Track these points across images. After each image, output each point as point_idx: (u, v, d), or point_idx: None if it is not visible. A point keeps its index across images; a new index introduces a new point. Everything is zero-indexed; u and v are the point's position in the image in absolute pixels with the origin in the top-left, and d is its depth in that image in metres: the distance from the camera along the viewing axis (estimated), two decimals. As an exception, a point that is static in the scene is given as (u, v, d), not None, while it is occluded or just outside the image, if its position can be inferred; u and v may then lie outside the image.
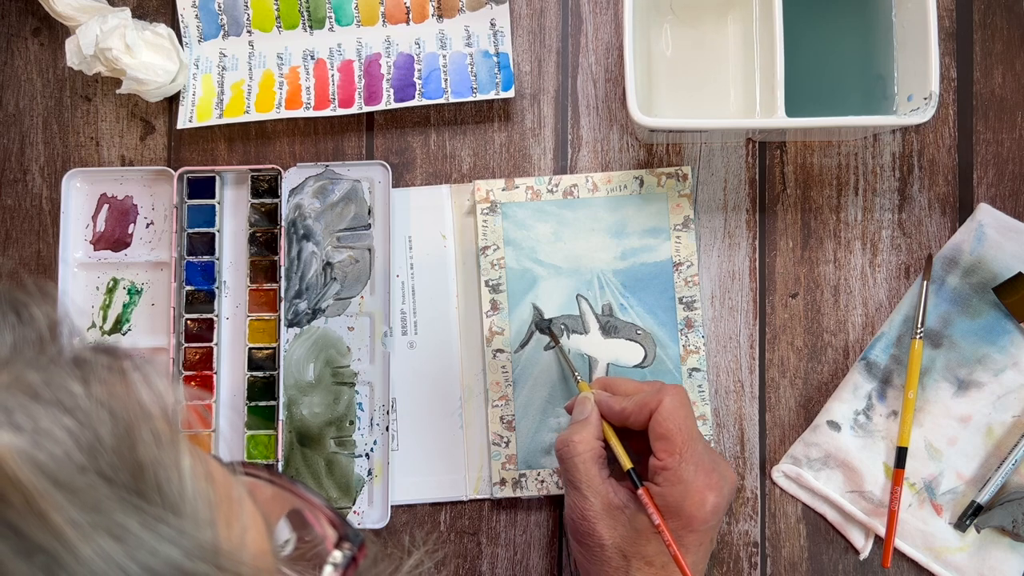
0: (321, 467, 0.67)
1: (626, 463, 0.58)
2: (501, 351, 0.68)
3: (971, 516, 0.64)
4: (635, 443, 0.59)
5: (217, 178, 0.69)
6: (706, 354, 0.68)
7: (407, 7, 0.70)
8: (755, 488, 0.68)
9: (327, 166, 0.69)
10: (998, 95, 0.69)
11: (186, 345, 0.68)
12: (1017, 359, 0.65)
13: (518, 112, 0.70)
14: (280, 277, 0.68)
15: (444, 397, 0.68)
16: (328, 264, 0.69)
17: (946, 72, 0.69)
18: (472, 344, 0.69)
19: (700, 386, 0.67)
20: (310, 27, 0.71)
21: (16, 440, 0.25)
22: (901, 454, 0.65)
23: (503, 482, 0.67)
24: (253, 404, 0.68)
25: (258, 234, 0.69)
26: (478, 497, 0.68)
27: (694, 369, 0.67)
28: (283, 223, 0.68)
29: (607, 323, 0.68)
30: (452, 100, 0.68)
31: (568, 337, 0.68)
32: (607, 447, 0.59)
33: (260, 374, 0.68)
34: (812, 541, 0.67)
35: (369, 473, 0.67)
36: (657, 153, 0.69)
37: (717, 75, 0.68)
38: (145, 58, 0.66)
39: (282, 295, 0.68)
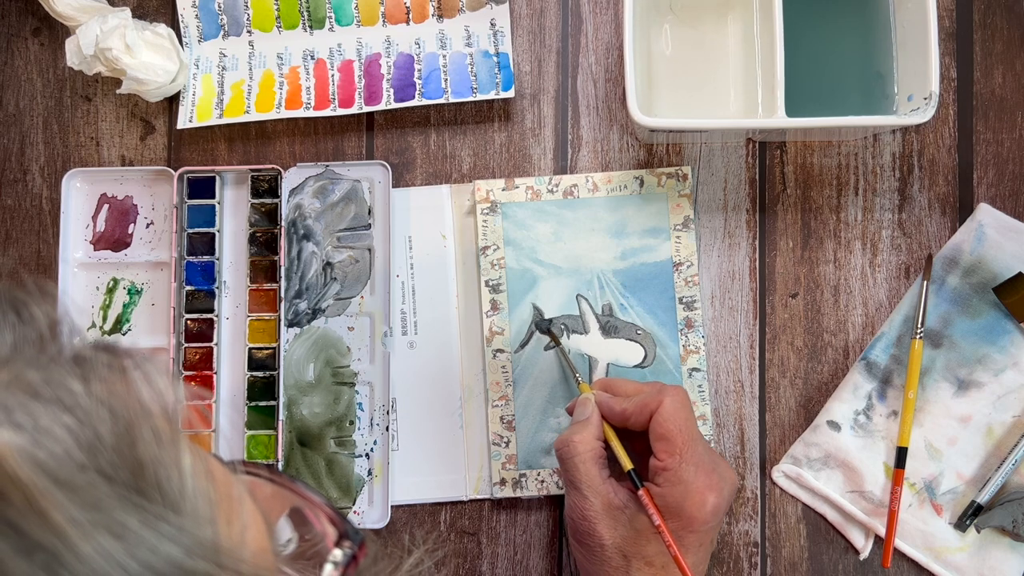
0: (321, 467, 0.67)
1: (627, 464, 0.58)
2: (501, 351, 0.68)
3: (971, 516, 0.64)
4: (635, 444, 0.59)
5: (217, 178, 0.69)
6: (706, 354, 0.68)
7: (407, 7, 0.70)
8: (755, 488, 0.68)
9: (327, 166, 0.69)
10: (998, 95, 0.69)
11: (186, 345, 0.68)
12: (1017, 359, 0.65)
13: (518, 112, 0.70)
14: (280, 277, 0.68)
15: (444, 397, 0.68)
16: (328, 264, 0.69)
17: (946, 72, 0.69)
18: (472, 344, 0.69)
19: (700, 386, 0.67)
20: (310, 27, 0.71)
21: (16, 438, 0.25)
22: (901, 454, 0.65)
23: (503, 482, 0.67)
24: (253, 404, 0.68)
25: (258, 234, 0.69)
26: (478, 497, 0.68)
27: (694, 369, 0.67)
28: (283, 223, 0.68)
29: (607, 323, 0.68)
30: (452, 100, 0.68)
31: (568, 337, 0.68)
32: (607, 448, 0.59)
33: (260, 374, 0.68)
34: (812, 541, 0.67)
35: (369, 473, 0.67)
36: (657, 153, 0.69)
37: (717, 75, 0.68)
38: (145, 58, 0.66)
39: (282, 295, 0.68)
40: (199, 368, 0.68)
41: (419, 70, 0.69)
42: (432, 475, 0.68)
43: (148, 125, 0.71)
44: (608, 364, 0.68)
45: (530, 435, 0.67)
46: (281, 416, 0.67)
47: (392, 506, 0.67)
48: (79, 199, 0.70)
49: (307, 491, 0.36)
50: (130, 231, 0.70)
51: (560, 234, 0.68)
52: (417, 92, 0.69)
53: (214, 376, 0.68)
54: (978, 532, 0.64)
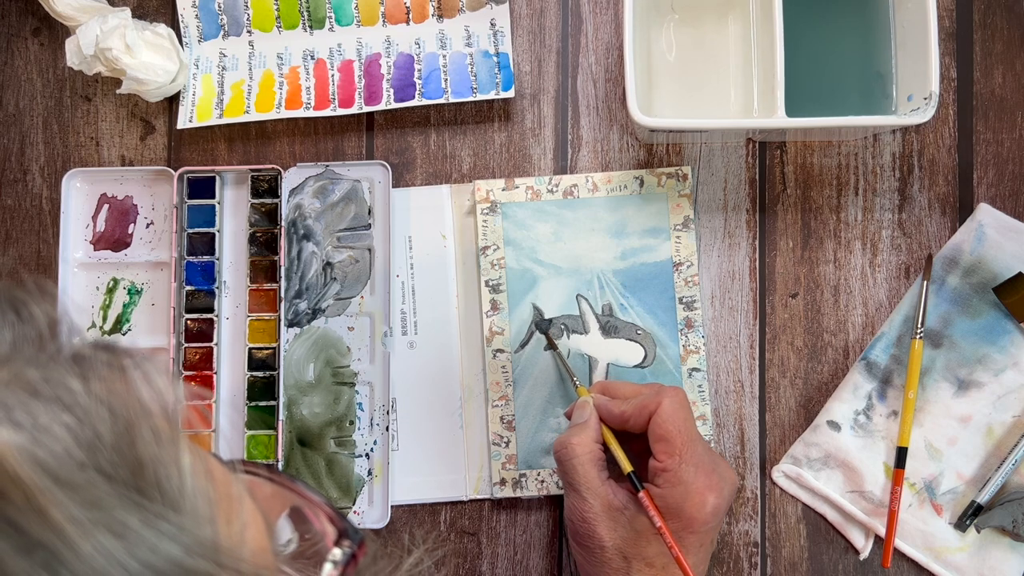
0: (321, 467, 0.67)
1: (626, 466, 0.58)
2: (501, 351, 0.68)
3: (971, 516, 0.64)
4: (633, 445, 0.59)
5: (217, 178, 0.69)
6: (706, 354, 0.68)
7: (407, 7, 0.70)
8: (755, 488, 0.67)
9: (327, 166, 0.69)
10: (998, 95, 0.69)
11: (186, 345, 0.68)
12: (1017, 359, 0.65)
13: (518, 112, 0.70)
14: (280, 277, 0.68)
15: (444, 397, 0.68)
16: (328, 264, 0.69)
17: (946, 72, 0.69)
18: (472, 344, 0.69)
19: (700, 386, 0.67)
20: (310, 27, 0.71)
21: (16, 437, 0.25)
22: (901, 454, 0.65)
23: (503, 482, 0.67)
24: (253, 404, 0.68)
25: (258, 234, 0.69)
26: (478, 497, 0.68)
27: (694, 369, 0.67)
28: (283, 223, 0.68)
29: (607, 323, 0.68)
30: (452, 100, 0.68)
31: (568, 337, 0.68)
32: (606, 450, 0.59)
33: (260, 374, 0.68)
34: (812, 541, 0.67)
35: (369, 473, 0.67)
36: (657, 153, 0.69)
37: (717, 75, 0.68)
38: (145, 58, 0.66)
39: (282, 295, 0.68)
40: (199, 368, 0.68)
41: (419, 70, 0.69)
42: (432, 475, 0.68)
43: (148, 125, 0.71)
44: (608, 364, 0.68)
45: (530, 435, 0.67)
46: (281, 416, 0.67)
47: (392, 506, 0.67)
48: (79, 199, 0.70)
49: (306, 490, 0.36)
50: (130, 231, 0.70)
51: (560, 234, 0.68)
52: (417, 92, 0.69)
53: (214, 376, 0.68)
54: (978, 532, 0.64)
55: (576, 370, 0.67)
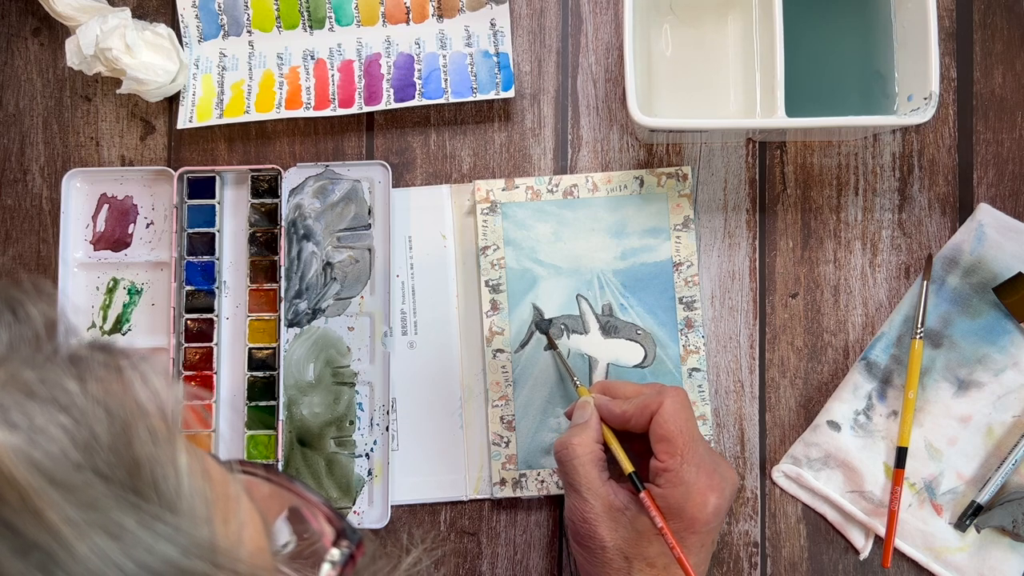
0: (321, 467, 0.67)
1: (627, 467, 0.57)
2: (501, 351, 0.68)
3: (971, 516, 0.64)
4: (634, 445, 0.59)
5: (217, 178, 0.69)
6: (706, 354, 0.68)
7: (407, 7, 0.70)
8: (755, 488, 0.67)
9: (327, 166, 0.69)
10: (998, 95, 0.69)
11: (186, 345, 0.68)
12: (1017, 359, 0.65)
13: (518, 112, 0.70)
14: (280, 277, 0.68)
15: (444, 397, 0.68)
16: (328, 264, 0.69)
17: (946, 72, 0.69)
18: (472, 344, 0.68)
19: (700, 386, 0.67)
20: (310, 27, 0.71)
21: (11, 438, 0.25)
22: (901, 454, 0.65)
23: (503, 482, 0.67)
24: (253, 404, 0.68)
25: (258, 234, 0.69)
26: (478, 497, 0.68)
27: (694, 369, 0.67)
28: (283, 223, 0.68)
29: (607, 323, 0.68)
30: (452, 100, 0.68)
31: (568, 337, 0.68)
32: (607, 450, 0.59)
33: (260, 374, 0.68)
34: (812, 541, 0.67)
35: (369, 473, 0.67)
36: (657, 153, 0.69)
37: (717, 75, 0.68)
38: (145, 58, 0.66)
39: (282, 295, 0.68)
40: (199, 368, 0.68)
41: (419, 70, 0.69)
42: (432, 475, 0.68)
43: (148, 125, 0.71)
44: (608, 364, 0.68)
45: (530, 435, 0.67)
46: (281, 416, 0.67)
47: (392, 506, 0.67)
48: (79, 199, 0.70)
49: (305, 490, 0.36)
50: (130, 231, 0.70)
51: (560, 234, 0.68)
52: (417, 92, 0.69)
53: (214, 376, 0.68)
54: (978, 532, 0.64)
55: (576, 370, 0.67)
